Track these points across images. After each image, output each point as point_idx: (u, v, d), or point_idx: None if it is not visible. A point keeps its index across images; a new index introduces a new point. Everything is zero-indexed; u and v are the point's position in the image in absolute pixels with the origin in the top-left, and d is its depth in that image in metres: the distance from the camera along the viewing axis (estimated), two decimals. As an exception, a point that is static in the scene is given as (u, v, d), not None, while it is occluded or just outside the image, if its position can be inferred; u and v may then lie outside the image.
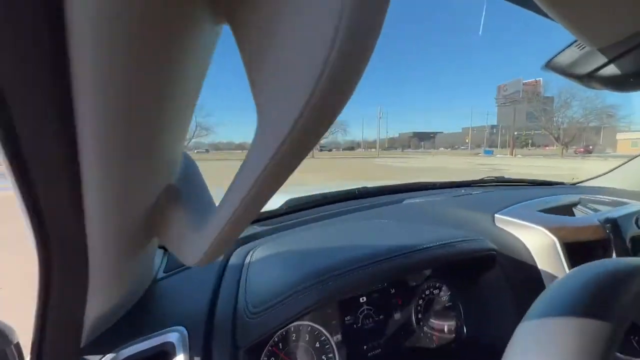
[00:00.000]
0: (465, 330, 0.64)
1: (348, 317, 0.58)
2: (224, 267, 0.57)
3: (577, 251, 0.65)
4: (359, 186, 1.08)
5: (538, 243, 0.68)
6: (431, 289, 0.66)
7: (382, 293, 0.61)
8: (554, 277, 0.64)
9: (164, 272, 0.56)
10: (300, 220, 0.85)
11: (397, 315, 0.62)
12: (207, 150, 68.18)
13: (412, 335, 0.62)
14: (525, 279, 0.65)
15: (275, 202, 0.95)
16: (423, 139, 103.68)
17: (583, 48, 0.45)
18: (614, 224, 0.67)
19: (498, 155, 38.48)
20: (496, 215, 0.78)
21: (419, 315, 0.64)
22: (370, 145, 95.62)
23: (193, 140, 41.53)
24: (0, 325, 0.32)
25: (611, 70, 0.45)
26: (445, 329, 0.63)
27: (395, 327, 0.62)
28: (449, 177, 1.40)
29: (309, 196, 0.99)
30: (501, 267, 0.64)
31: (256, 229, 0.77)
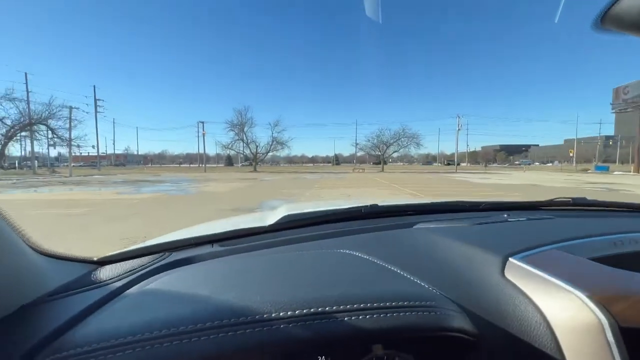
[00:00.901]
0: None
1: None
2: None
3: None
4: (370, 203, 0.99)
5: (569, 319, 0.39)
6: None
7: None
8: None
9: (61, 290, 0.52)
10: (275, 240, 0.81)
11: None
12: (278, 163, 73.26)
13: None
14: None
15: (274, 217, 0.94)
16: (512, 152, 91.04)
17: None
18: None
19: (616, 172, 30.99)
20: (510, 259, 0.50)
21: None
22: (447, 158, 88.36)
23: (270, 154, 44.85)
24: None
25: None
26: None
27: None
28: (540, 197, 1.11)
29: (308, 212, 0.91)
30: (491, 356, 0.42)
31: (218, 248, 0.76)
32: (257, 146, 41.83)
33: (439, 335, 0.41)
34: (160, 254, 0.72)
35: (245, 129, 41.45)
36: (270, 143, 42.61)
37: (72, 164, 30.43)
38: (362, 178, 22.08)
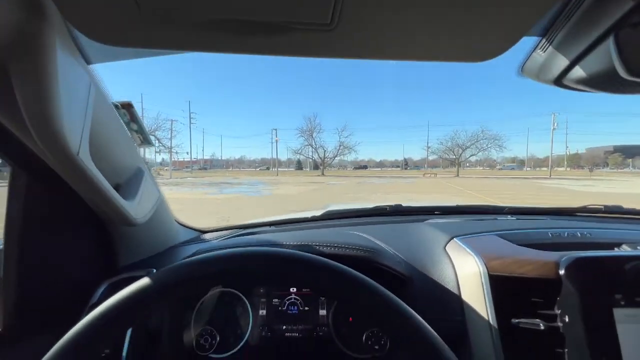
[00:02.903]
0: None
1: (275, 300, 0.71)
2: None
3: (512, 288, 0.59)
4: (394, 203, 1.21)
5: (467, 270, 0.65)
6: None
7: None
8: (473, 310, 0.61)
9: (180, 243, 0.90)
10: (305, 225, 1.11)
11: (321, 312, 0.70)
12: (344, 167, 73.96)
13: (327, 337, 0.69)
14: (442, 309, 0.65)
15: (319, 212, 1.24)
16: (632, 155, 73.65)
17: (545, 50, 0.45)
18: (577, 265, 0.56)
19: None
20: (454, 239, 0.75)
21: (339, 318, 0.70)
22: (539, 163, 76.70)
23: (337, 158, 45.86)
24: None
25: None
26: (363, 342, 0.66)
27: (315, 322, 0.70)
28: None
29: (344, 209, 1.21)
30: (419, 291, 0.66)
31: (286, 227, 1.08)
32: (324, 151, 43.37)
33: (378, 266, 0.66)
34: (237, 230, 1.05)
35: (314, 135, 43.41)
36: (338, 148, 43.69)
37: (169, 168, 36.38)
38: (433, 184, 20.90)
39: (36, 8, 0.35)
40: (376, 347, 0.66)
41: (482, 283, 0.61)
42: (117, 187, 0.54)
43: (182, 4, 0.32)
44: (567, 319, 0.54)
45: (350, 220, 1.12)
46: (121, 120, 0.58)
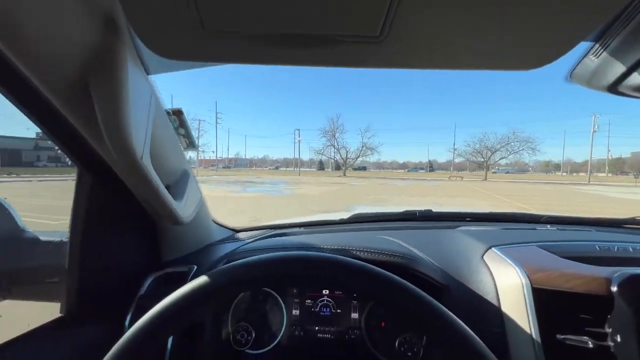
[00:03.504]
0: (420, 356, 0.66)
1: (308, 301, 0.73)
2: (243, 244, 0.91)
3: (557, 302, 0.56)
4: (423, 208, 1.19)
5: (506, 283, 0.63)
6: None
7: (345, 291, 0.73)
8: (514, 323, 0.58)
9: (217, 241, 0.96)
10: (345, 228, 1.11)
11: (354, 315, 0.71)
12: (364, 168, 73.09)
13: (359, 340, 0.69)
14: (480, 319, 0.62)
15: (347, 214, 1.26)
16: (686, 160, 66.90)
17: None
18: (632, 282, 0.52)
19: None
20: (492, 249, 0.73)
21: (372, 322, 0.70)
22: (577, 167, 71.88)
23: (359, 159, 45.54)
24: None
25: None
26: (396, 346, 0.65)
27: (347, 325, 0.71)
28: None
29: (372, 213, 1.21)
30: (456, 300, 0.65)
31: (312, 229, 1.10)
32: (347, 151, 43.21)
33: (414, 273, 0.66)
34: (268, 230, 1.08)
35: (336, 135, 43.38)
36: (360, 148, 43.38)
37: (196, 166, 37.79)
38: (460, 187, 20.21)
39: (112, 29, 0.39)
40: (409, 353, 0.66)
41: (525, 296, 0.59)
42: (167, 188, 0.57)
43: (242, 22, 0.35)
44: (619, 339, 0.51)
45: (378, 225, 1.12)
46: (172, 126, 0.62)
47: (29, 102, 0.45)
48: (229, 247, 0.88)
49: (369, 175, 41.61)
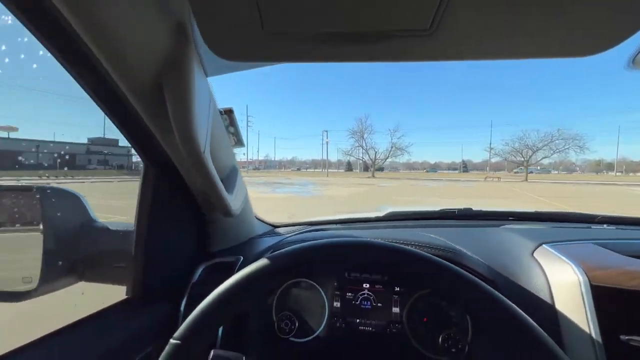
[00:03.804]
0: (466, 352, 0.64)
1: (349, 294, 0.74)
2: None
3: (619, 301, 0.53)
4: (464, 206, 1.16)
5: (560, 280, 0.60)
6: (440, 300, 0.69)
7: (386, 286, 0.74)
8: (570, 322, 0.55)
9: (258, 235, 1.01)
10: (383, 225, 1.12)
11: (394, 309, 0.71)
12: (382, 169, 71.44)
13: (401, 334, 0.69)
14: (531, 316, 0.60)
15: (382, 212, 1.27)
16: None
17: None
18: None
19: None
20: (544, 245, 0.70)
21: (414, 316, 0.70)
22: (634, 167, 65.01)
23: (388, 160, 44.74)
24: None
25: None
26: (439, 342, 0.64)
27: (388, 319, 0.71)
28: None
29: (407, 211, 1.21)
30: (504, 296, 0.62)
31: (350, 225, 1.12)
32: (375, 152, 42.62)
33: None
34: (305, 226, 1.12)
35: (365, 136, 42.99)
36: (389, 149, 42.59)
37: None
38: (497, 188, 19.12)
39: (183, 35, 0.44)
40: (453, 350, 0.65)
41: (582, 294, 0.56)
42: (221, 182, 0.62)
43: (299, 22, 0.37)
44: None
45: (414, 222, 1.11)
46: (223, 124, 0.67)
47: (111, 106, 0.51)
48: (270, 241, 0.92)
49: (399, 176, 40.70)
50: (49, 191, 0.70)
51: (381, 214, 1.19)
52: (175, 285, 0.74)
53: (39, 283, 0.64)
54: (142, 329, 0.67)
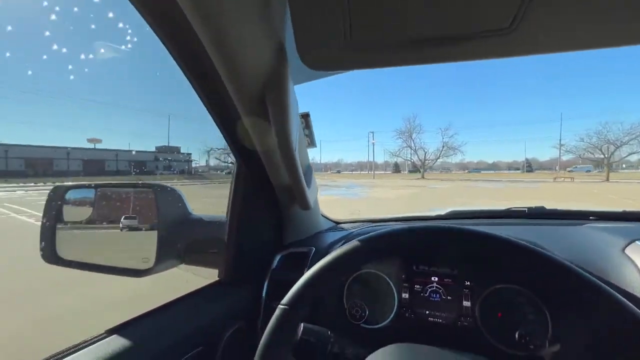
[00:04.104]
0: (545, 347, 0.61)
1: (417, 286, 0.76)
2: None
3: None
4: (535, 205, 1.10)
5: None
6: (516, 296, 0.67)
7: (455, 280, 0.74)
8: None
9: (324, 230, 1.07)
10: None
11: (465, 303, 0.71)
12: (449, 170, 66.90)
13: (472, 328, 0.69)
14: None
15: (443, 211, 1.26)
16: None
17: None
18: None
19: None
20: (636, 242, 0.63)
21: (487, 311, 0.69)
22: None
23: (439, 160, 42.49)
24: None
25: None
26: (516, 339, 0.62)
27: (458, 312, 0.72)
28: None
29: (474, 210, 1.18)
30: None
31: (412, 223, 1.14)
32: (425, 152, 40.79)
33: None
34: (367, 223, 1.16)
35: (413, 136, 41.41)
36: (440, 149, 40.44)
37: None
38: (571, 190, 16.92)
39: (281, 51, 0.51)
40: (531, 346, 0.64)
41: None
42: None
43: (385, 30, 0.42)
44: None
45: (477, 221, 1.08)
46: (301, 127, 0.75)
47: (221, 116, 0.62)
48: (336, 235, 0.98)
49: (451, 177, 38.35)
50: (158, 189, 0.85)
51: (442, 212, 1.18)
52: (257, 271, 0.84)
53: (154, 263, 0.78)
54: (232, 307, 0.78)
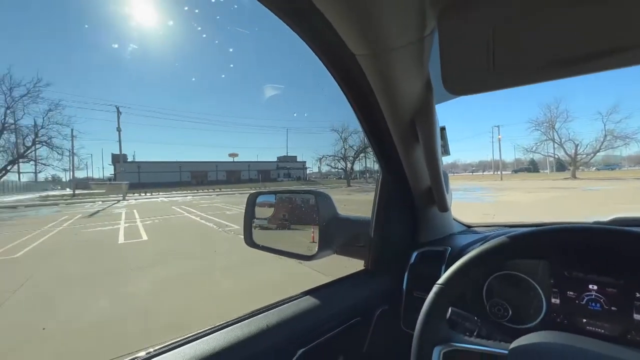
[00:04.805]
0: None
1: (570, 293, 0.72)
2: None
3: None
4: None
5: None
6: None
7: (621, 290, 0.66)
8: None
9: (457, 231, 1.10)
10: None
11: (637, 316, 0.62)
12: (616, 166, 49.79)
13: None
14: None
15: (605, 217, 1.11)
16: None
17: None
18: None
19: None
20: None
21: None
22: None
23: (600, 154, 32.65)
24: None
25: None
26: None
27: (628, 325, 0.63)
28: None
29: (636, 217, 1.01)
30: None
31: None
32: (576, 145, 32.14)
33: None
34: (500, 227, 1.13)
35: (557, 126, 33.35)
36: (602, 139, 31.04)
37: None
38: None
39: (429, 84, 0.64)
40: None
41: None
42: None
43: (529, 54, 0.48)
44: None
45: None
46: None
47: (376, 136, 0.80)
48: (470, 237, 1.02)
49: (622, 175, 28.78)
50: (318, 194, 1.10)
51: (604, 218, 1.03)
52: (396, 264, 0.98)
53: (317, 251, 1.03)
54: (376, 292, 0.95)
